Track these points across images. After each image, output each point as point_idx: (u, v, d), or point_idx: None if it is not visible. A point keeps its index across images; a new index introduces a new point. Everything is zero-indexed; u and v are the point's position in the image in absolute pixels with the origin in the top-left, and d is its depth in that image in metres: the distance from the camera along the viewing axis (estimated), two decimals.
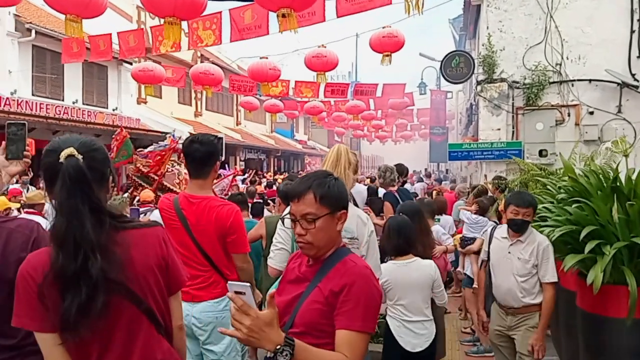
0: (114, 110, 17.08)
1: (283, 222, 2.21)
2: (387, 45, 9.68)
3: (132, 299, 1.45)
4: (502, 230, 3.64)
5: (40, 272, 1.38)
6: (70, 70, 15.25)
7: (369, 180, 13.87)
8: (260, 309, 1.38)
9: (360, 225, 2.46)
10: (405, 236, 3.37)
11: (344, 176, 2.45)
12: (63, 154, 1.43)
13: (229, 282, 1.40)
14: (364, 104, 17.62)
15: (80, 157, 1.45)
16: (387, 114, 21.53)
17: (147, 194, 6.70)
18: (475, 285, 5.27)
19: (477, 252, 5.32)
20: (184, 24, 9.83)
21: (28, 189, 10.37)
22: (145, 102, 18.66)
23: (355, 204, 4.03)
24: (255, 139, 25.33)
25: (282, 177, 17.91)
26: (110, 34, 10.62)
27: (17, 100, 12.42)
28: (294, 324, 1.62)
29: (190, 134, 18.01)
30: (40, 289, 1.37)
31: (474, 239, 5.39)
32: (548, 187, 3.83)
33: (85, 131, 14.27)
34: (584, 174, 3.58)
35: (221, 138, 3.08)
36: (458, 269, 5.84)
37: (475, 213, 5.48)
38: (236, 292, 1.34)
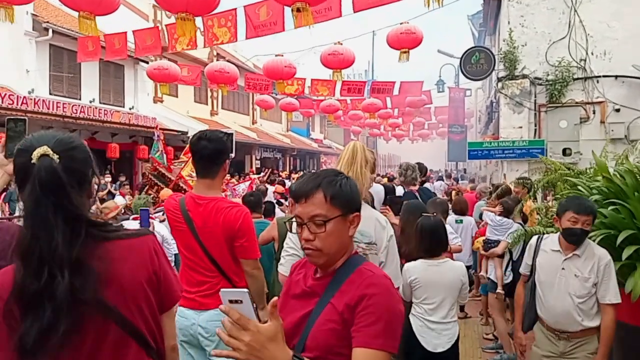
0: (130, 109, 17.11)
1: (291, 228, 2.06)
2: (405, 42, 9.49)
3: (117, 321, 1.27)
4: (552, 241, 3.10)
5: (7, 288, 1.21)
6: (87, 69, 15.29)
7: (385, 179, 13.65)
8: None
9: (378, 229, 2.27)
10: (439, 238, 3.33)
11: (360, 175, 2.28)
12: (35, 154, 1.24)
13: (222, 290, 1.16)
14: (380, 102, 17.38)
15: (55, 157, 1.25)
16: (404, 112, 21.25)
17: (167, 192, 6.56)
18: (499, 290, 5.03)
19: (501, 256, 5.08)
20: (199, 22, 9.85)
21: None
22: (162, 101, 18.67)
23: (373, 205, 3.83)
24: (271, 138, 25.23)
25: (297, 176, 17.76)
26: (126, 33, 10.61)
27: (35, 99, 12.45)
28: (306, 348, 1.40)
29: None
30: (7, 307, 1.21)
31: (497, 242, 5.14)
32: (579, 187, 3.57)
33: (102, 130, 14.32)
34: (618, 173, 3.33)
35: (231, 134, 2.90)
36: (481, 272, 5.57)
37: (499, 214, 5.21)
38: (231, 302, 1.12)
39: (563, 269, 2.98)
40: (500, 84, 10.03)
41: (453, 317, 3.26)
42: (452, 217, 6.09)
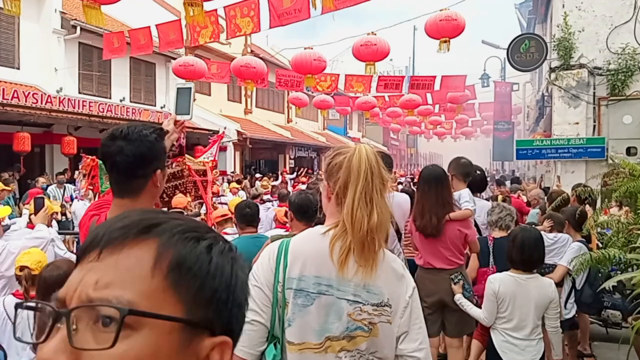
0: (162, 107, 16.80)
1: (279, 253, 1.43)
2: (445, 30, 8.67)
3: None
4: None
5: None
6: (118, 67, 15.04)
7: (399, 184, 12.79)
8: None
9: (392, 282, 1.45)
10: (540, 254, 3.08)
11: (383, 214, 1.42)
12: None
13: None
14: (419, 98, 16.38)
15: None
16: (446, 108, 20.14)
17: (179, 199, 5.92)
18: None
19: (558, 283, 4.11)
20: (221, 12, 9.28)
21: (65, 189, 9.97)
22: (194, 100, 18.27)
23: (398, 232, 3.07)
24: (306, 137, 24.56)
25: None
26: (149, 27, 10.26)
27: (59, 98, 12.20)
28: None
29: (238, 132, 17.46)
30: None
31: (552, 266, 4.12)
32: None
33: None
34: None
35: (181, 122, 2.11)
36: None
37: (549, 230, 4.20)
38: None
39: None
40: (553, 75, 9.00)
41: (538, 335, 3.07)
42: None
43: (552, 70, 9.12)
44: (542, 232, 4.23)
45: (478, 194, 4.49)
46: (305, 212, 3.11)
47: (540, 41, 9.37)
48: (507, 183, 14.57)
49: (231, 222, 4.30)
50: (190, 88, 2.31)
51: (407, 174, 24.95)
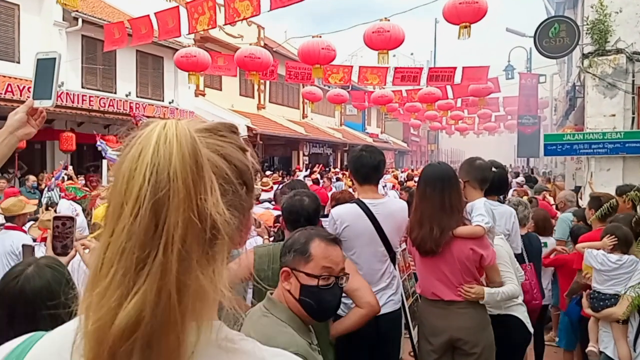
0: (170, 102, 16.25)
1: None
2: (465, 14, 7.94)
3: None
4: None
5: None
6: (123, 61, 14.52)
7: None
8: None
9: None
10: None
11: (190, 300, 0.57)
12: None
13: None
14: (439, 91, 15.47)
15: None
16: (468, 102, 19.17)
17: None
18: None
19: (625, 320, 3.22)
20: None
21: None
22: (204, 95, 17.71)
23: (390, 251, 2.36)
24: (321, 133, 23.79)
25: (348, 173, 16.19)
26: (149, 16, 9.74)
27: (58, 92, 11.69)
28: None
29: (249, 127, 16.83)
30: None
31: (615, 297, 3.26)
32: None
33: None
34: None
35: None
36: (590, 347, 3.50)
37: (610, 251, 3.31)
38: None
39: None
40: (586, 62, 8.07)
41: None
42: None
43: (585, 56, 8.19)
44: (602, 253, 3.37)
45: (497, 197, 3.58)
46: (295, 222, 2.43)
47: (571, 24, 8.44)
48: (519, 179, 13.39)
49: None
50: (55, 59, 1.47)
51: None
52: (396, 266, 2.90)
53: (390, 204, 2.94)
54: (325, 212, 4.40)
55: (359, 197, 2.91)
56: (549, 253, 4.38)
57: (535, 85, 17.93)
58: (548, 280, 4.51)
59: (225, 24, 9.21)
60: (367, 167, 2.87)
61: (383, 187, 13.41)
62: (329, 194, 7.56)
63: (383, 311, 2.50)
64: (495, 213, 2.94)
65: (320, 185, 12.02)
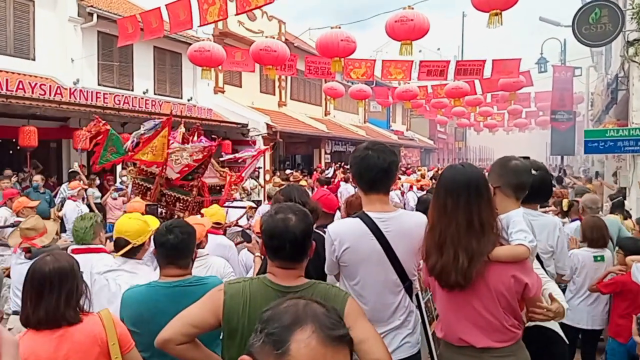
0: (188, 100, 15.92)
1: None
2: (496, 1, 7.25)
3: None
4: None
5: None
6: (141, 57, 14.22)
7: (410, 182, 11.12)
8: None
9: None
10: None
11: None
12: None
13: None
14: (467, 86, 14.68)
15: None
16: (498, 98, 18.29)
17: (135, 204, 4.81)
18: None
19: None
20: None
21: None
22: (223, 92, 17.31)
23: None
24: (344, 130, 23.17)
25: None
26: (159, 8, 9.42)
27: (71, 90, 11.41)
28: None
29: (268, 125, 16.37)
30: None
31: None
32: None
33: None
34: None
35: None
36: None
37: None
38: None
39: None
40: (631, 50, 7.33)
41: None
42: (586, 251, 3.79)
43: (629, 43, 7.43)
44: None
45: (537, 207, 2.86)
46: (279, 249, 1.76)
47: (614, 8, 7.65)
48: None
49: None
50: None
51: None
52: (413, 297, 2.27)
53: (405, 219, 2.27)
54: (340, 216, 3.80)
55: (364, 209, 2.27)
56: (604, 276, 3.72)
57: (570, 79, 16.93)
58: (605, 301, 3.87)
59: (237, 14, 8.71)
60: (375, 170, 2.23)
61: (401, 188, 12.63)
62: (339, 193, 6.89)
63: (396, 358, 1.92)
64: (534, 225, 2.31)
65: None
